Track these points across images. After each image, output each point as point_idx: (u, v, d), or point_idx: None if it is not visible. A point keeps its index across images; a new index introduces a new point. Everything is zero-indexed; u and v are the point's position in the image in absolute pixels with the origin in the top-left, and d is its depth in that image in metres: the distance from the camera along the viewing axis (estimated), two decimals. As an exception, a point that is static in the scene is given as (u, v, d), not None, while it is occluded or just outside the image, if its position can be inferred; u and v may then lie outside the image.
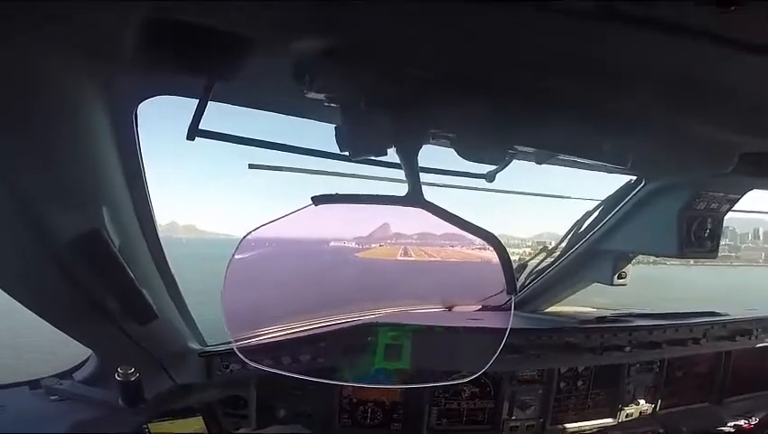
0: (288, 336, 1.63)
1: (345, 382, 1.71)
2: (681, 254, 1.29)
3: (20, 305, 0.93)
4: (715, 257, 1.34)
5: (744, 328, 2.01)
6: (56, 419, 1.26)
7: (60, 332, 1.08)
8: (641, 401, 2.01)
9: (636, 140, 0.83)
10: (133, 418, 1.36)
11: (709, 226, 1.30)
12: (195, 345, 1.50)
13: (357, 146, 0.67)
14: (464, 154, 0.71)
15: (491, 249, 0.70)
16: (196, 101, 0.69)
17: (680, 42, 0.52)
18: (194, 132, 0.68)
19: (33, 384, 1.38)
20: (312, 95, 0.61)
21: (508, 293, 0.75)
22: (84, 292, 0.92)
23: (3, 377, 1.46)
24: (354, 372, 1.69)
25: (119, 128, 0.78)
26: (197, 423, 1.56)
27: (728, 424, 2.02)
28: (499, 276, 0.75)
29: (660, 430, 2.00)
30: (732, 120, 0.78)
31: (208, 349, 1.52)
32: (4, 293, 0.90)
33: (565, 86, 0.67)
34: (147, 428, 1.46)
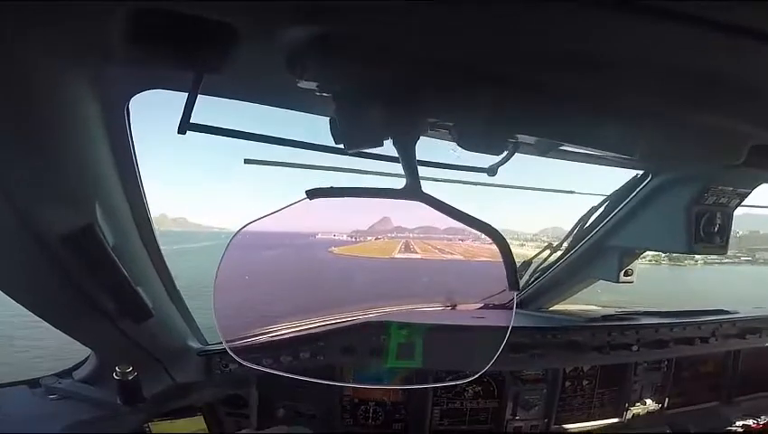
0: (286, 335, 1.62)
1: (344, 381, 1.70)
2: (690, 250, 1.25)
3: None
4: (725, 253, 1.30)
5: (754, 326, 1.97)
6: (55, 418, 1.26)
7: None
8: (649, 401, 1.98)
9: (643, 133, 0.80)
10: (132, 417, 1.35)
11: (719, 221, 1.27)
12: (195, 344, 1.49)
13: (352, 137, 0.65)
14: (464, 144, 0.68)
15: (493, 243, 0.68)
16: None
17: (688, 32, 0.50)
18: (185, 126, 0.66)
19: (33, 383, 1.38)
20: (304, 84, 0.59)
21: (510, 289, 0.72)
22: (80, 291, 0.91)
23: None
24: (354, 371, 1.68)
25: (111, 124, 0.76)
26: (198, 422, 1.55)
27: (737, 424, 1.99)
28: (502, 272, 0.72)
29: (668, 430, 1.97)
30: (741, 112, 0.75)
31: (207, 348, 1.51)
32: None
33: (569, 75, 0.65)
34: (148, 427, 1.45)
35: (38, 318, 0.97)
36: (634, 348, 1.77)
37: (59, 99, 0.65)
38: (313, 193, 0.64)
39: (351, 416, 1.76)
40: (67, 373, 1.42)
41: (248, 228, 0.69)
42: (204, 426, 1.57)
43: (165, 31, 0.54)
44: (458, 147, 0.72)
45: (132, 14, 0.52)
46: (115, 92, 0.74)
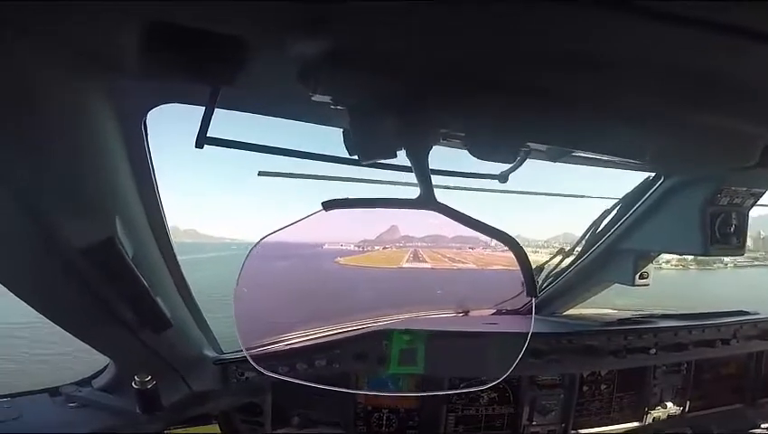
0: (302, 344, 1.63)
1: (361, 389, 1.69)
2: (706, 252, 1.23)
3: None
4: (742, 254, 1.28)
5: None
6: (75, 426, 1.28)
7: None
8: (669, 404, 1.94)
9: (654, 135, 0.80)
10: (150, 425, 1.37)
11: (734, 222, 1.25)
12: (211, 353, 1.51)
13: (366, 149, 0.66)
14: (476, 153, 0.69)
15: (509, 251, 0.68)
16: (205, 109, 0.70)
17: (699, 33, 0.50)
18: (203, 140, 0.68)
19: (53, 391, 1.40)
20: (318, 98, 0.60)
21: (528, 295, 0.72)
22: (100, 301, 0.93)
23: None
24: (370, 378, 1.68)
25: (129, 137, 0.78)
26: (213, 430, 1.56)
27: (762, 426, 1.94)
28: (517, 279, 0.72)
29: (690, 433, 1.92)
30: (754, 112, 0.74)
31: (223, 356, 1.53)
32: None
33: (580, 81, 0.65)
34: None
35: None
36: (652, 351, 1.74)
37: (78, 115, 0.67)
38: (328, 205, 0.65)
39: (365, 423, 1.75)
40: (86, 382, 1.44)
41: (267, 239, 0.70)
42: (219, 433, 1.58)
43: (182, 45, 0.56)
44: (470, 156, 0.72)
45: (149, 28, 0.54)
46: (133, 106, 0.76)
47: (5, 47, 0.52)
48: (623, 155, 0.79)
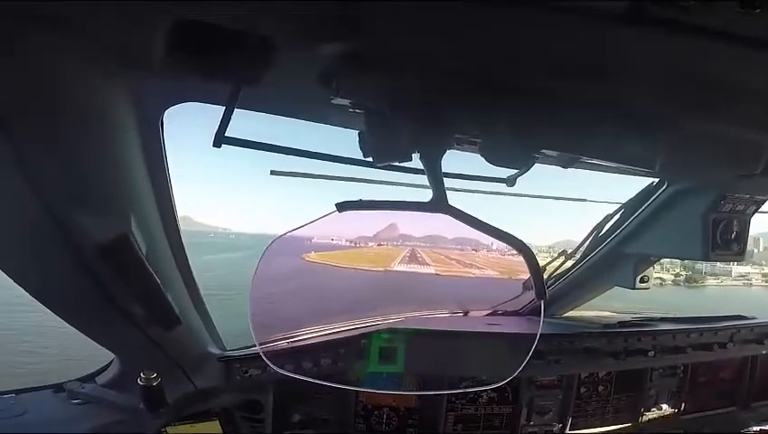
0: (308, 342, 1.64)
1: (363, 387, 1.70)
2: (707, 257, 1.26)
3: None
4: (742, 259, 1.31)
5: None
6: (78, 423, 1.28)
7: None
8: (664, 406, 1.97)
9: (663, 142, 0.81)
10: (152, 421, 1.37)
11: (735, 228, 1.27)
12: (215, 350, 1.51)
13: (381, 151, 0.67)
14: (490, 158, 0.70)
15: (519, 254, 0.69)
16: (221, 108, 0.70)
17: (706, 43, 0.51)
18: (221, 139, 0.68)
19: (57, 388, 1.40)
20: (338, 101, 0.61)
21: (538, 298, 0.74)
22: (109, 297, 0.93)
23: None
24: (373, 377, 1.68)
25: (146, 135, 0.79)
26: (214, 427, 1.57)
27: (753, 428, 1.97)
28: (523, 281, 0.73)
29: None
30: (759, 121, 0.76)
31: (227, 354, 1.53)
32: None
33: (593, 88, 0.66)
34: (165, 431, 1.47)
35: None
36: (651, 354, 1.77)
37: (99, 111, 0.67)
38: (342, 206, 0.66)
39: (365, 421, 1.77)
40: (90, 378, 1.44)
41: (281, 239, 0.71)
42: (220, 430, 1.58)
43: (204, 45, 0.57)
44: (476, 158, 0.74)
45: (176, 27, 0.54)
46: (151, 104, 0.77)
47: (32, 41, 0.52)
48: (632, 162, 0.81)
